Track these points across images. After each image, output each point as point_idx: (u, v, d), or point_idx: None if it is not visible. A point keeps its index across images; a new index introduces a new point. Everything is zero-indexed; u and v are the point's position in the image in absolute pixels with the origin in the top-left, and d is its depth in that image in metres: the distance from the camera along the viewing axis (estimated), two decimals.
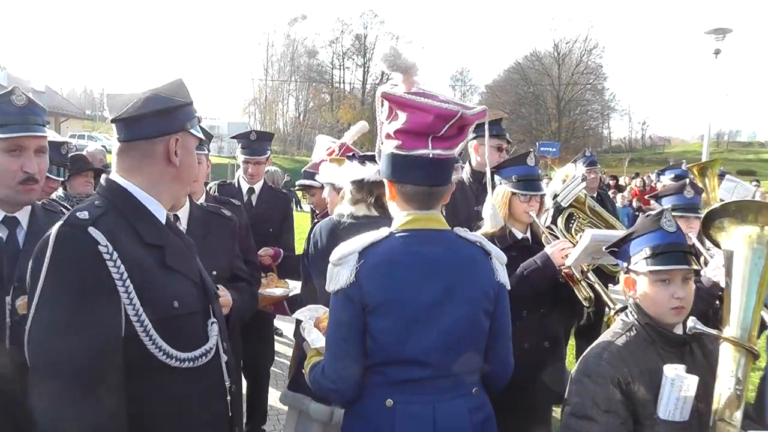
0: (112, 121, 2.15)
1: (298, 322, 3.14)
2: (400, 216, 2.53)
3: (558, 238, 3.98)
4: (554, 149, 42.91)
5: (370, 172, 3.63)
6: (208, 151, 4.29)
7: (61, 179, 5.14)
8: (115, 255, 1.98)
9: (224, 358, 2.36)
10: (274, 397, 6.38)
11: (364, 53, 76.90)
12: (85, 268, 1.95)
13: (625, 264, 2.81)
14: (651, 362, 2.60)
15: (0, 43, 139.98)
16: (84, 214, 2.02)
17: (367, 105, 71.05)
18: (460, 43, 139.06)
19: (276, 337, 7.19)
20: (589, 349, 2.77)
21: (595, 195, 6.89)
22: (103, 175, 2.29)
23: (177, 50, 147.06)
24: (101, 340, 1.92)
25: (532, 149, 4.50)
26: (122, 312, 1.99)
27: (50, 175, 4.76)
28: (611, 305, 3.57)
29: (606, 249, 2.92)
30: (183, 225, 3.47)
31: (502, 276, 2.58)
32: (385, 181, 2.58)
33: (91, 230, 1.98)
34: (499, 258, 2.60)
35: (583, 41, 74.32)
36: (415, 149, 2.42)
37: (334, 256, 2.45)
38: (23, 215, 2.82)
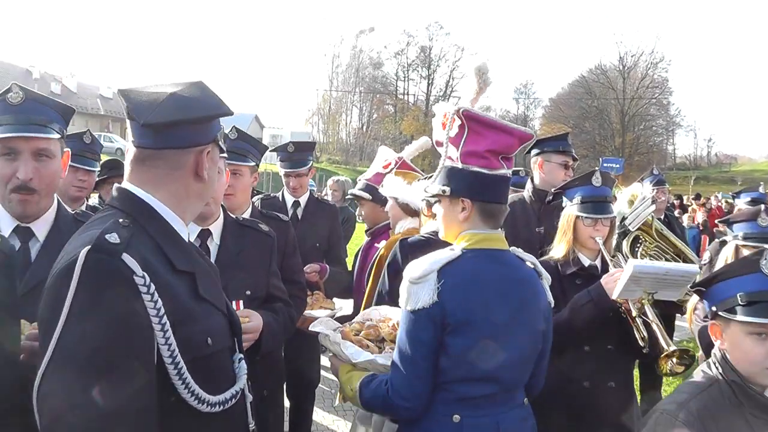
0: (144, 125, 1.85)
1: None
2: (466, 235, 2.55)
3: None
4: (618, 165, 41.95)
5: None
6: (256, 163, 4.09)
7: (95, 170, 4.81)
8: (152, 287, 1.70)
9: (249, 397, 2.14)
10: (318, 415, 6.19)
11: (428, 65, 76.88)
12: (119, 302, 1.65)
13: (713, 308, 2.46)
14: (735, 427, 2.26)
15: (71, 49, 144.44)
16: (114, 237, 1.70)
17: (431, 117, 71.27)
18: (524, 55, 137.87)
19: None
20: (663, 402, 2.45)
21: (662, 217, 6.50)
22: (116, 185, 2.01)
23: (243, 59, 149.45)
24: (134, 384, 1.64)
25: (596, 167, 4.15)
26: (155, 353, 1.71)
27: (78, 165, 4.48)
28: (665, 348, 3.16)
29: (691, 288, 2.60)
30: (215, 240, 3.23)
31: (551, 296, 2.69)
32: (452, 199, 2.59)
33: (126, 257, 1.68)
34: (547, 278, 2.71)
35: (649, 54, 72.95)
36: (498, 169, 2.53)
37: (413, 275, 2.45)
38: (40, 226, 2.57)
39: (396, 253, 3.44)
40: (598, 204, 3.60)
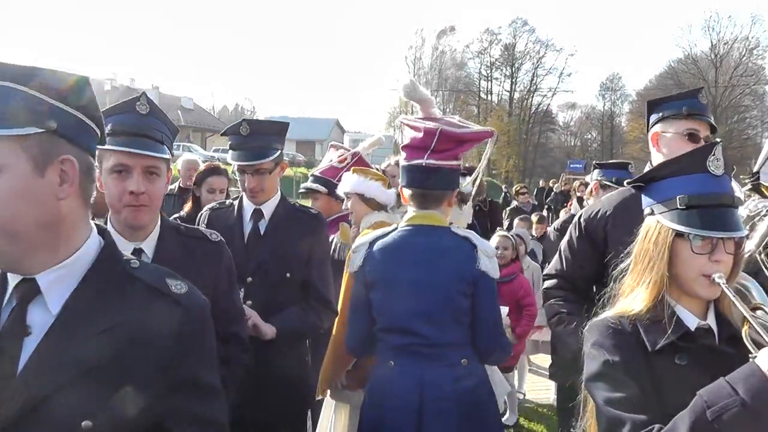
0: None
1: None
2: (406, 214, 3.18)
3: None
4: None
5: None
6: (170, 153, 2.69)
7: None
8: None
9: None
10: None
11: (512, 63, 74.40)
12: None
13: None
14: None
15: (154, 63, 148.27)
16: None
17: (514, 116, 69.70)
18: (611, 48, 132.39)
19: None
20: None
21: None
22: None
23: (323, 64, 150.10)
24: None
25: (719, 139, 2.41)
26: None
27: None
28: None
29: None
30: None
31: (486, 265, 2.98)
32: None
33: None
34: (485, 251, 3.03)
35: (743, 40, 68.63)
36: (413, 160, 3.09)
37: (354, 245, 3.22)
38: None
39: None
40: (718, 211, 1.90)
